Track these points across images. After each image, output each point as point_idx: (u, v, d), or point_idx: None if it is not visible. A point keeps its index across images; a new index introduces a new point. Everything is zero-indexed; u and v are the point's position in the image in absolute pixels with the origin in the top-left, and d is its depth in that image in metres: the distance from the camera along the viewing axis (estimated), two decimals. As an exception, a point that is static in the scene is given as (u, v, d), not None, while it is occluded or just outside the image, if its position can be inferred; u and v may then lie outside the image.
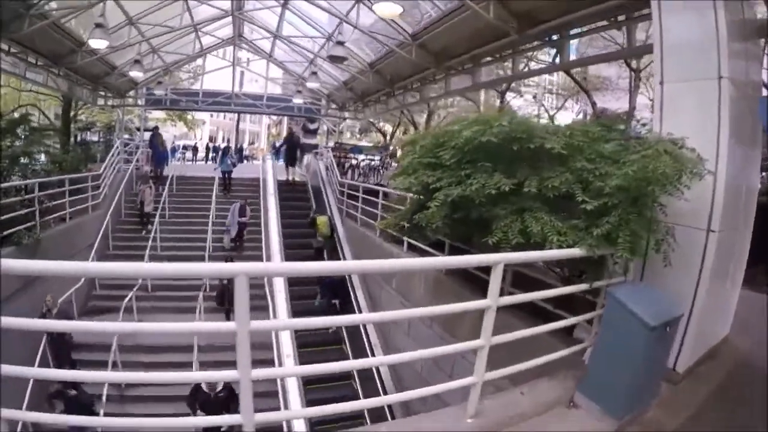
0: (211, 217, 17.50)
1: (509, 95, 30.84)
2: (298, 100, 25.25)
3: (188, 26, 19.54)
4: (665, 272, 4.99)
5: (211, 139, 59.73)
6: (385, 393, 9.81)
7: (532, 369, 4.41)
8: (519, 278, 6.72)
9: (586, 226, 4.52)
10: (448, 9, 11.71)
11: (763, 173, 14.97)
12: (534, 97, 30.41)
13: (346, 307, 13.31)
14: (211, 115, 58.94)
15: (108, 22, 13.14)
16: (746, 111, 5.89)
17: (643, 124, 6.11)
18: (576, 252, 4.43)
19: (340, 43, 13.72)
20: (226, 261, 12.42)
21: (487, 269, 6.50)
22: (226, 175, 20.89)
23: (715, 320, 6.17)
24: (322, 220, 16.37)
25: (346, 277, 13.49)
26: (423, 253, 9.08)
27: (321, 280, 13.63)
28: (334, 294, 13.57)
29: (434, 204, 5.47)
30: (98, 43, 13.23)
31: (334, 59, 14.36)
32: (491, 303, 3.77)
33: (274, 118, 47.15)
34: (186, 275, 10.79)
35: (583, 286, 4.74)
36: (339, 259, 15.35)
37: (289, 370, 3.22)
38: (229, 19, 20.77)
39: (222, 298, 12.82)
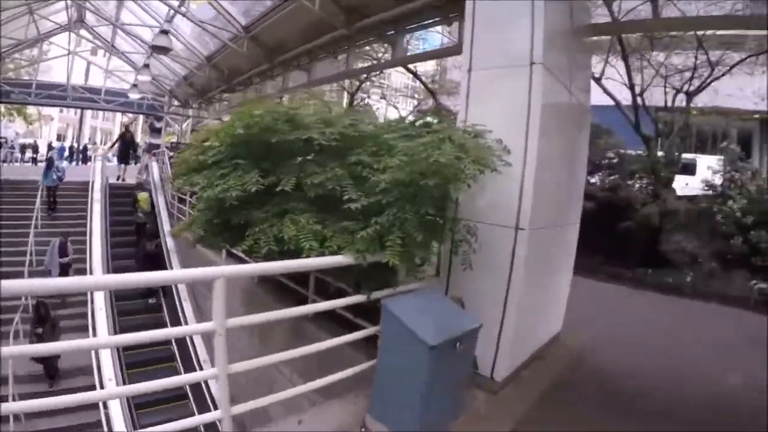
0: (30, 245, 14.70)
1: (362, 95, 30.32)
2: (134, 95, 23.37)
3: (19, 6, 17.52)
4: (472, 276, 4.57)
5: (59, 137, 54.90)
6: (216, 409, 8.89)
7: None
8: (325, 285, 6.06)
9: (361, 228, 3.85)
10: (279, 0, 11.01)
11: (601, 172, 15.74)
12: (383, 97, 30.06)
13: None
14: (60, 111, 53.94)
15: None
16: (568, 103, 5.68)
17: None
18: (339, 260, 3.77)
19: (165, 32, 12.55)
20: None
21: (300, 278, 5.83)
22: (52, 191, 17.43)
23: (538, 320, 5.89)
24: (143, 196, 16.62)
25: (163, 250, 13.93)
26: (241, 261, 8.22)
27: (137, 258, 14.37)
28: (150, 265, 13.36)
29: (197, 208, 4.91)
30: None
31: (158, 49, 13.12)
32: (216, 327, 3.20)
33: (130, 115, 44.11)
34: None
35: (359, 298, 4.09)
36: (158, 232, 15.53)
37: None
38: (68, 3, 18.90)
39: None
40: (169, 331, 3.04)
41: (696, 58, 14.95)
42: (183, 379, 3.35)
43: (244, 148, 4.59)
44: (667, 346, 7.33)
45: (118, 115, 52.20)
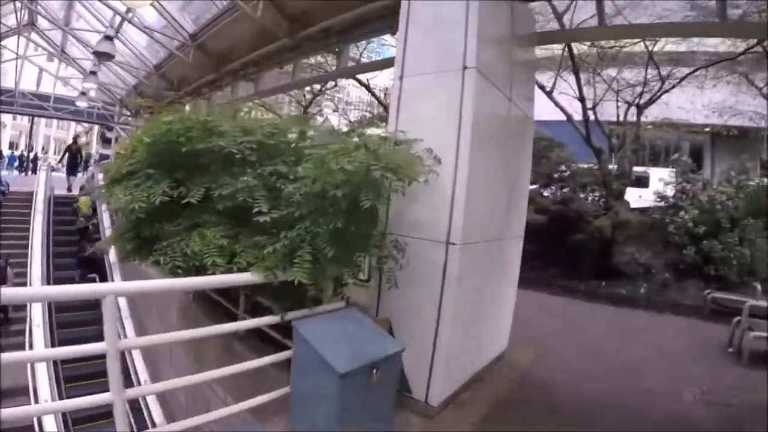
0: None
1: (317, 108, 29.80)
2: (83, 103, 22.58)
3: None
4: (403, 294, 4.37)
5: (12, 145, 52.96)
6: (154, 425, 8.58)
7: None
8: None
9: (272, 243, 3.55)
10: (224, 8, 10.68)
11: (554, 185, 15.84)
12: (335, 110, 29.66)
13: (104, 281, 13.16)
14: (14, 118, 51.87)
15: None
16: (507, 111, 5.52)
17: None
18: (246, 278, 3.48)
19: (109, 38, 12.01)
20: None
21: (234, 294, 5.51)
22: None
23: (478, 339, 5.65)
24: (83, 200, 16.75)
25: (103, 254, 13.68)
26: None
27: (76, 261, 14.65)
28: (90, 269, 13.99)
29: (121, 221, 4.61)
30: None
31: (100, 55, 12.55)
32: (107, 348, 2.88)
33: (86, 125, 42.86)
34: None
35: (273, 318, 3.79)
36: (99, 234, 15.51)
37: None
38: (16, 5, 18.05)
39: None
40: (59, 351, 2.73)
41: (646, 70, 15.11)
42: (80, 402, 3.05)
43: (158, 158, 4.28)
44: (621, 360, 7.20)
45: (72, 124, 50.70)
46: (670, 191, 14.57)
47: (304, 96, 24.41)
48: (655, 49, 14.43)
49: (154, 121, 4.41)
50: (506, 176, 5.68)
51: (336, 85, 24.46)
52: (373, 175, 3.47)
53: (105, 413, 10.00)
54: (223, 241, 3.62)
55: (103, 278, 13.28)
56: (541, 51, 14.04)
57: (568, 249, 13.32)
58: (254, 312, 5.34)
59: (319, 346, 3.21)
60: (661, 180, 15.24)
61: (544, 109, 14.32)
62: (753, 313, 7.97)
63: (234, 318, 5.62)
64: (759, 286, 9.69)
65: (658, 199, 14.55)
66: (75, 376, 11.13)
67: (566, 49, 13.64)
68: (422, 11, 4.97)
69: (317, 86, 23.02)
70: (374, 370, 3.28)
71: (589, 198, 15.28)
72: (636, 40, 13.85)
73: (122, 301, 11.69)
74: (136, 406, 9.95)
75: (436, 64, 4.72)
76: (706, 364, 7.40)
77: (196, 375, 3.46)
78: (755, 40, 12.33)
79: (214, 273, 3.48)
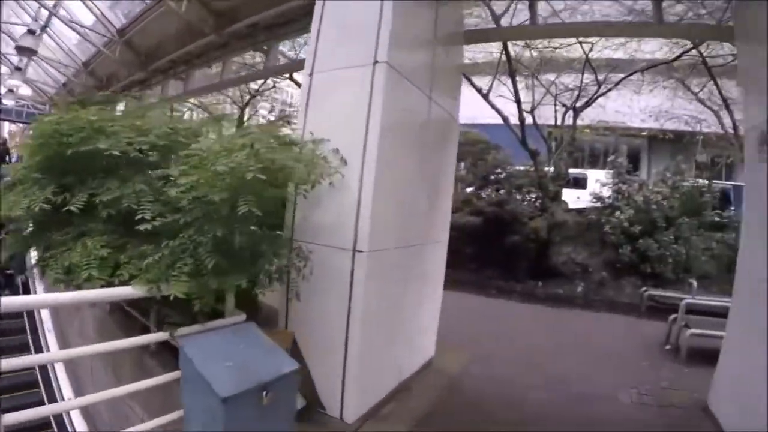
0: None
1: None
2: (9, 102, 21.59)
3: None
4: (310, 306, 4.12)
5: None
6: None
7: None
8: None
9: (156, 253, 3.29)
10: (151, 2, 10.29)
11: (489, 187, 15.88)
12: (271, 111, 29.05)
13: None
14: (-52, 118, 49.33)
15: None
16: (427, 110, 5.38)
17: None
18: (126, 291, 3.24)
19: (32, 32, 11.44)
20: None
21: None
22: None
23: (399, 348, 5.43)
24: None
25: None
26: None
27: None
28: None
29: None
30: None
31: (23, 51, 11.96)
32: None
33: (21, 125, 40.99)
34: None
35: (161, 335, 3.52)
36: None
37: None
38: None
39: None
40: None
41: (582, 74, 15.28)
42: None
43: (50, 161, 3.99)
44: (556, 362, 7.09)
45: (5, 125, 48.46)
46: (606, 192, 14.73)
47: (241, 97, 23.72)
48: (594, 54, 14.55)
49: (40, 120, 4.09)
50: (426, 178, 5.52)
51: (274, 86, 23.82)
52: (247, 177, 3.21)
53: (30, 427, 9.66)
54: (103, 252, 3.35)
55: (23, 270, 12.76)
56: (479, 55, 14.17)
57: (504, 250, 13.26)
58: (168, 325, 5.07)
59: (203, 367, 2.95)
60: (597, 181, 15.41)
61: (482, 112, 14.37)
62: (689, 309, 8.02)
63: (148, 331, 5.34)
64: (695, 283, 9.81)
65: (594, 200, 14.69)
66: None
67: (504, 51, 13.63)
68: (336, 6, 4.83)
69: (254, 86, 22.39)
70: (264, 392, 3.03)
71: (526, 199, 15.33)
72: (572, 41, 13.89)
73: (45, 313, 11.21)
74: (59, 420, 9.56)
75: (347, 59, 4.56)
76: (643, 363, 7.37)
77: (83, 398, 3.25)
78: (690, 45, 12.56)
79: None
